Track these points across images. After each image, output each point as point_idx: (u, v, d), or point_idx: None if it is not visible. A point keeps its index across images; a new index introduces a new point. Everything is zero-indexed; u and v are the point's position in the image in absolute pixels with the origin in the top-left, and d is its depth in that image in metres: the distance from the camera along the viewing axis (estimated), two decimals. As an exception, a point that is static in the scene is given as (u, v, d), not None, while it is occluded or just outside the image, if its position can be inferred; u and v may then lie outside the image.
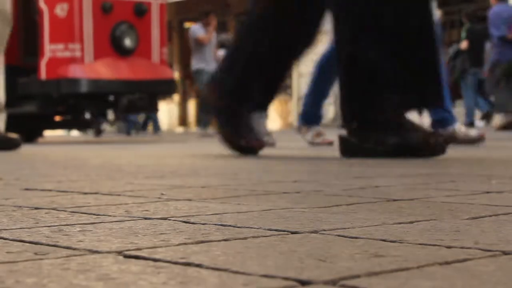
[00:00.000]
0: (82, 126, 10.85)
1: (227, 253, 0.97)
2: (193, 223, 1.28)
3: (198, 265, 0.88)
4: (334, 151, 3.94)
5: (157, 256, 0.95)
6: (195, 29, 12.17)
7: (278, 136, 11.88)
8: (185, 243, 1.06)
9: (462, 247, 0.99)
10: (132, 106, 9.35)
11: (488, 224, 1.23)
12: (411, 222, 1.26)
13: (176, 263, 0.90)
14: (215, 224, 1.26)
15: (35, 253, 0.99)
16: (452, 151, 3.86)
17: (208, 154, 4.31)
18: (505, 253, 0.95)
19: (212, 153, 4.34)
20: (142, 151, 5.30)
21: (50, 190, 1.96)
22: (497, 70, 10.75)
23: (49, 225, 1.27)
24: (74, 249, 1.02)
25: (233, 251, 0.98)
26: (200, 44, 12.00)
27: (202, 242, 1.07)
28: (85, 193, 1.86)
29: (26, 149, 5.63)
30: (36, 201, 1.68)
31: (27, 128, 10.06)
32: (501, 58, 10.77)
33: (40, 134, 10.70)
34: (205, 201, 1.65)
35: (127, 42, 9.26)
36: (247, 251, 0.99)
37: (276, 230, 1.18)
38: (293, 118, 17.38)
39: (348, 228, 1.19)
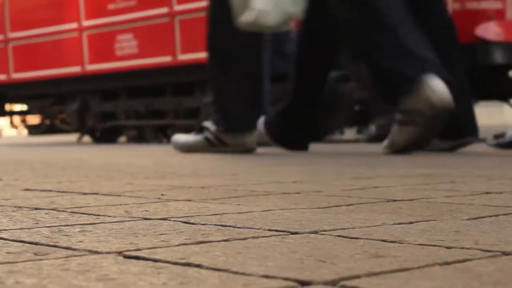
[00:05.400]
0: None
1: (227, 254, 0.97)
2: (193, 223, 1.28)
3: (198, 266, 0.88)
4: (333, 151, 3.94)
5: (157, 257, 0.95)
6: None
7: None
8: (185, 244, 1.06)
9: (462, 248, 1.00)
10: None
11: (488, 224, 1.23)
12: (411, 223, 1.26)
13: (176, 263, 0.90)
14: (215, 225, 1.26)
15: (35, 254, 0.99)
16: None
17: (208, 154, 4.31)
18: (505, 253, 0.95)
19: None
20: (141, 151, 5.30)
21: (50, 191, 1.96)
22: None
23: (49, 225, 1.27)
24: (74, 249, 1.02)
25: (233, 252, 0.98)
26: None
27: (202, 242, 1.07)
28: (85, 194, 1.87)
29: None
30: (36, 202, 1.68)
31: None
32: None
33: None
34: (205, 201, 1.65)
35: None
36: (247, 251, 0.99)
37: (276, 230, 1.18)
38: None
39: (348, 229, 1.19)
